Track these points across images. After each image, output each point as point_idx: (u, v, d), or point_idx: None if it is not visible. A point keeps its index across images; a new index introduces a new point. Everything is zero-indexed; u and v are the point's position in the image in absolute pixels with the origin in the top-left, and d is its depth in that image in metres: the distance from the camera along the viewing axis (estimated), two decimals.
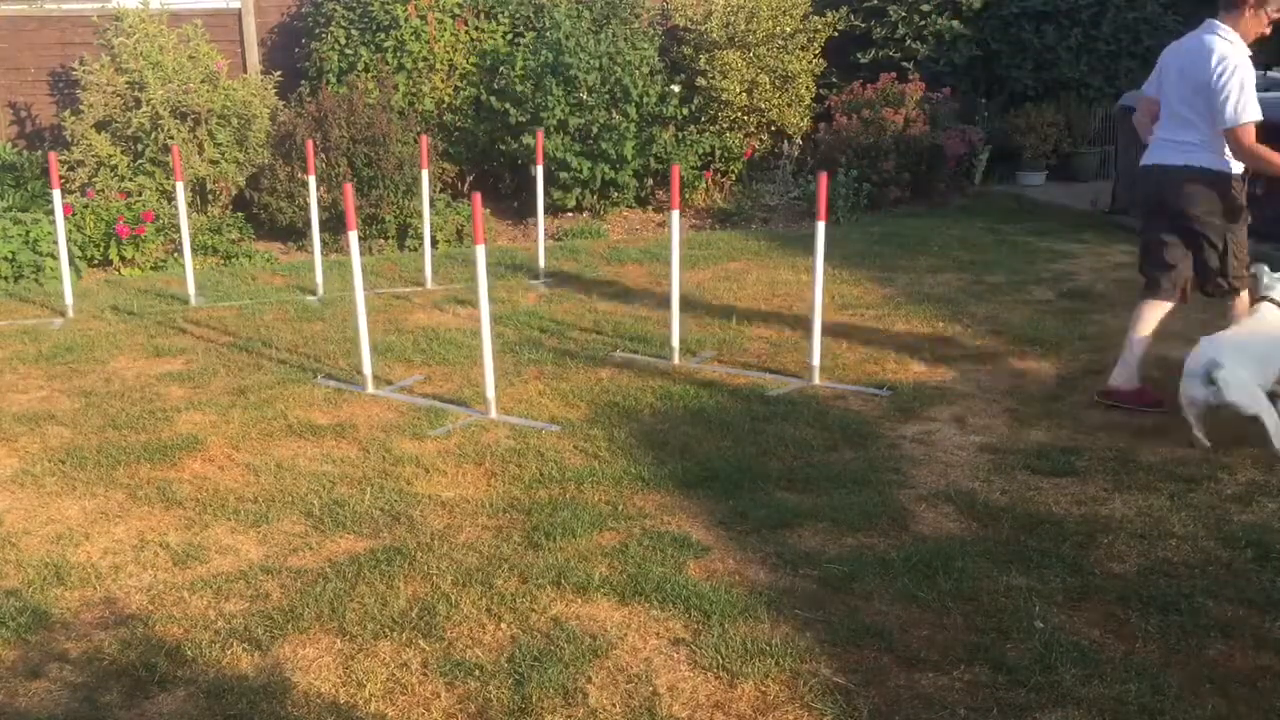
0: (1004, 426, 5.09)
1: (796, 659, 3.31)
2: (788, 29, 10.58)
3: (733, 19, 10.51)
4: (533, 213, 8.55)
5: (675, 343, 6.12)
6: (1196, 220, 5.13)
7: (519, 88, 9.87)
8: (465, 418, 5.33)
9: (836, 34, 11.01)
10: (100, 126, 9.57)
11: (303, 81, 10.38)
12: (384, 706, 3.16)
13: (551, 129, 9.70)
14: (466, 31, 10.41)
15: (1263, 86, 8.45)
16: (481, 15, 10.56)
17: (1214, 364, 4.60)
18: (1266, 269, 5.18)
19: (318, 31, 10.32)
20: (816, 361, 5.74)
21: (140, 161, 9.43)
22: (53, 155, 7.58)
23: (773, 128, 10.90)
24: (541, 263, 8.17)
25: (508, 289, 7.83)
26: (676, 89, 10.32)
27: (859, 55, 11.37)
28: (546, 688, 3.20)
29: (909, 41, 11.25)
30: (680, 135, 10.36)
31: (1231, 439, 4.82)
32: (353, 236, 5.89)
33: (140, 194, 9.22)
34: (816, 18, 10.82)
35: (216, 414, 5.44)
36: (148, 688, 3.25)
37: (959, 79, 11.28)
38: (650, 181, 10.42)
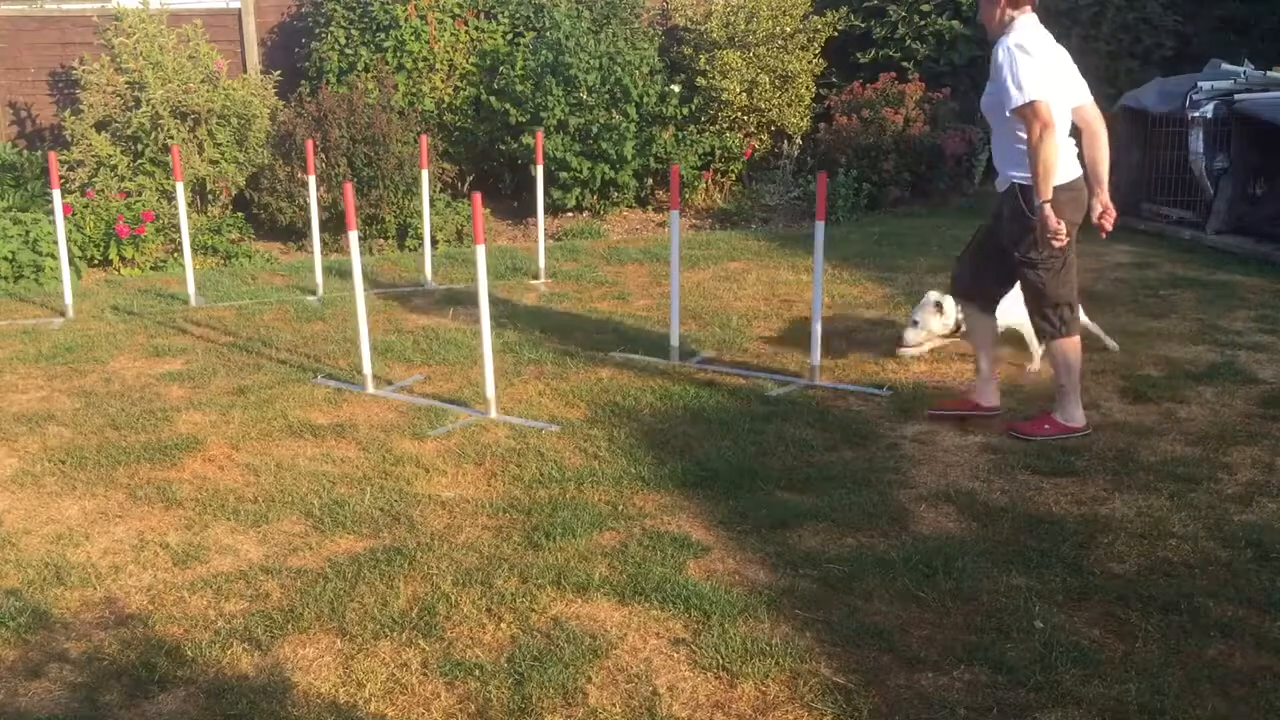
0: (1004, 426, 5.09)
1: (796, 659, 3.31)
2: (788, 29, 10.57)
3: (733, 19, 10.51)
4: (533, 213, 8.55)
5: (675, 343, 6.12)
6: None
7: (519, 88, 9.87)
8: (465, 417, 5.33)
9: (836, 34, 11.00)
10: (100, 126, 9.58)
11: (303, 81, 10.38)
12: (384, 706, 3.16)
13: (551, 129, 9.70)
14: (466, 31, 10.41)
15: (1262, 86, 8.49)
16: (481, 15, 10.56)
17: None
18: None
19: (318, 31, 10.32)
20: (817, 361, 5.74)
21: (140, 161, 9.44)
22: (53, 155, 7.58)
23: (773, 128, 10.90)
24: (541, 263, 8.16)
25: (508, 289, 7.83)
26: (676, 89, 10.31)
27: (859, 55, 11.36)
28: (546, 688, 3.20)
29: (909, 41, 11.23)
30: (680, 135, 10.35)
31: (1231, 439, 4.83)
32: (353, 236, 5.89)
33: (140, 194, 9.22)
34: (816, 17, 10.81)
35: (216, 414, 5.44)
36: (148, 688, 3.25)
37: (959, 79, 11.27)
38: (650, 181, 10.41)
